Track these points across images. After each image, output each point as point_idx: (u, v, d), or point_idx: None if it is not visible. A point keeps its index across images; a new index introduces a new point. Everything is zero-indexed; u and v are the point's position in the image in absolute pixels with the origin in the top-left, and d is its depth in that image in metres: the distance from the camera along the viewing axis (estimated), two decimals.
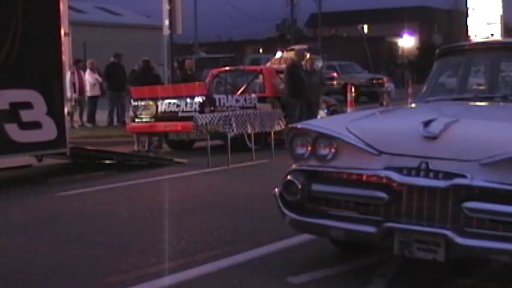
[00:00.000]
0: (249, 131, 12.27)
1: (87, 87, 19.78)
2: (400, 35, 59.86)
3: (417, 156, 4.61)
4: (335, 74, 32.24)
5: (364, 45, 29.49)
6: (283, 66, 15.99)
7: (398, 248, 4.63)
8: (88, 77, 19.91)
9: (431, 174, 4.51)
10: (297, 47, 17.77)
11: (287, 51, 17.40)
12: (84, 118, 19.82)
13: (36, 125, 10.27)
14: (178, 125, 13.20)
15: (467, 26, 28.29)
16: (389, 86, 28.55)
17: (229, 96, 13.77)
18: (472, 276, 5.17)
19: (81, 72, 19.90)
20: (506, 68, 6.79)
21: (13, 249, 6.46)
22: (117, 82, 19.15)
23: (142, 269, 5.59)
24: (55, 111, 10.53)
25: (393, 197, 4.64)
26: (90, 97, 19.84)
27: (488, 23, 27.27)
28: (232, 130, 11.89)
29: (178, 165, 11.96)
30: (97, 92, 20.06)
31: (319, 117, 14.43)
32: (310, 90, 14.82)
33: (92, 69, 20.20)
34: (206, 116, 12.11)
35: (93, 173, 11.34)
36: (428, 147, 4.61)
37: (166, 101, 13.37)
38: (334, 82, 31.51)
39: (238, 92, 15.00)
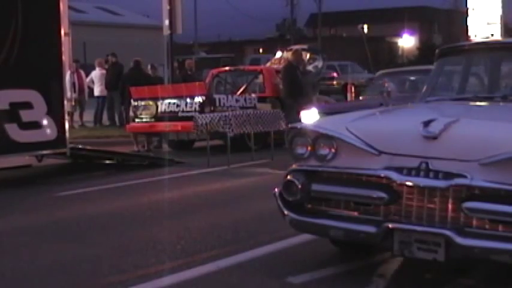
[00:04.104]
0: (249, 131, 12.27)
1: (95, 87, 19.82)
2: (400, 35, 59.87)
3: (417, 156, 4.61)
4: (335, 74, 32.24)
5: (364, 45, 29.57)
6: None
7: (398, 248, 4.62)
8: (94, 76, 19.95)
9: (431, 174, 4.51)
10: (296, 47, 17.72)
11: (287, 51, 17.34)
12: (84, 118, 19.79)
13: (36, 125, 10.27)
14: (178, 125, 13.20)
15: (467, 26, 28.28)
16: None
17: (229, 96, 13.78)
18: (472, 276, 5.17)
19: (81, 72, 19.87)
20: (506, 68, 6.79)
21: (13, 249, 6.46)
22: (107, 82, 19.13)
23: (142, 269, 5.58)
24: (55, 111, 10.53)
25: (393, 197, 4.64)
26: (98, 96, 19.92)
27: (488, 23, 27.27)
28: (232, 130, 11.88)
29: (178, 165, 11.96)
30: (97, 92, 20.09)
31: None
32: (307, 90, 14.81)
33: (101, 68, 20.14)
34: (206, 116, 12.12)
35: (93, 173, 11.34)
36: (428, 147, 4.60)
37: (166, 101, 13.38)
38: (334, 82, 31.52)
39: (238, 92, 14.99)
